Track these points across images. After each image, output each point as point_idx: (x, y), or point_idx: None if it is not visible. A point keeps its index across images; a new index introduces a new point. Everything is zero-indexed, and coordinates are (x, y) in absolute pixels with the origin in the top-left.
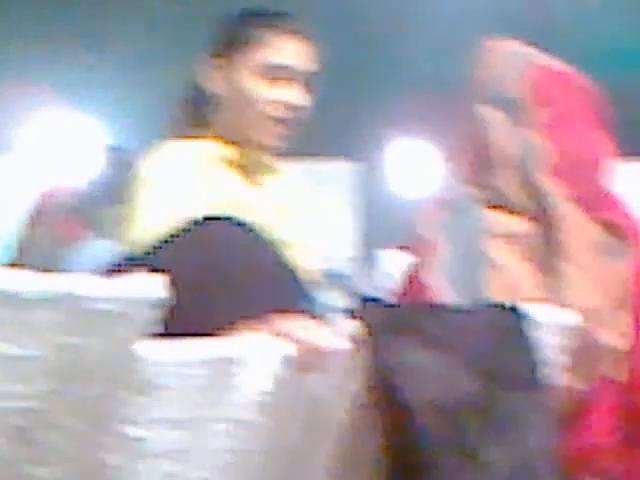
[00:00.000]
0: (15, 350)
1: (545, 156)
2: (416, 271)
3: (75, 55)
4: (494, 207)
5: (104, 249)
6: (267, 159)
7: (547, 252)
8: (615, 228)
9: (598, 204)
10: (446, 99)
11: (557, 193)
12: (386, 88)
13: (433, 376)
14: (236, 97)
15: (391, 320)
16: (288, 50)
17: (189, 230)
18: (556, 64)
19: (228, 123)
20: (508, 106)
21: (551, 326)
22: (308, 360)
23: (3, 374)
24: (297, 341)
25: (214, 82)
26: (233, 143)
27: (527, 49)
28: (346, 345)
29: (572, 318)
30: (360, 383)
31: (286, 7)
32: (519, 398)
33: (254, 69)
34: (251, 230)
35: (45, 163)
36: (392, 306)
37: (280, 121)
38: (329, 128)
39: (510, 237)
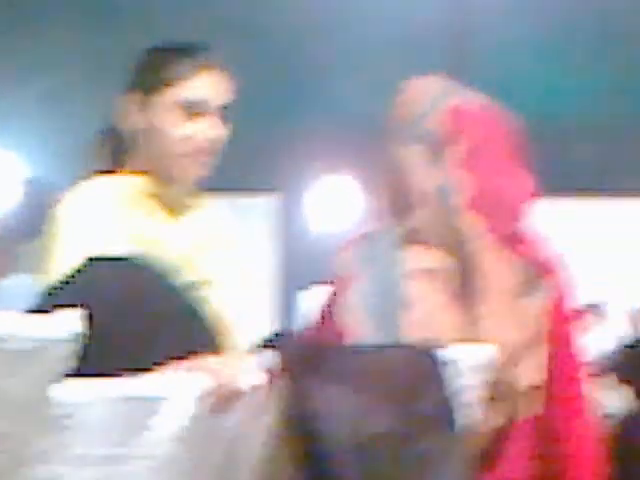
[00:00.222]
0: None
1: (462, 191)
2: (333, 308)
3: None
4: (413, 243)
5: (25, 285)
6: (187, 193)
7: (465, 288)
8: (533, 264)
9: (516, 240)
10: (368, 135)
11: (474, 228)
12: (307, 123)
13: (347, 415)
14: (153, 132)
15: (305, 359)
16: (203, 84)
17: (85, 271)
18: (476, 99)
19: (147, 158)
20: (427, 142)
21: (467, 363)
22: (224, 396)
23: None
24: (213, 377)
25: (132, 117)
26: (152, 177)
27: (447, 85)
28: (261, 381)
29: (488, 354)
30: (276, 420)
31: (207, 40)
32: (434, 438)
33: (170, 104)
34: (156, 271)
35: None
36: (307, 344)
37: (198, 155)
38: (250, 162)
39: (428, 273)
